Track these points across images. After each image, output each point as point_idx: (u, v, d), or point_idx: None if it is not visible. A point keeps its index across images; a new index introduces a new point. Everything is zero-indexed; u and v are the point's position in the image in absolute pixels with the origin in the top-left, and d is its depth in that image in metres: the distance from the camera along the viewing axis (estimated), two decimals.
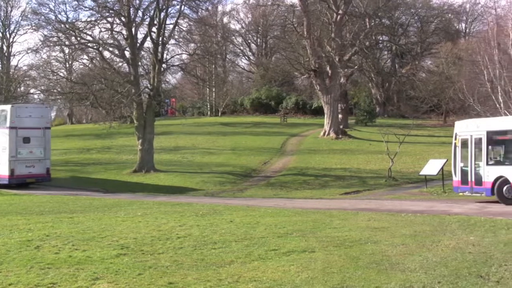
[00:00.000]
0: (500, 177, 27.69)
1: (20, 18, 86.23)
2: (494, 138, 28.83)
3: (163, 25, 51.31)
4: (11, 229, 19.40)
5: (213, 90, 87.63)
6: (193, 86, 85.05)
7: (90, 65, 55.36)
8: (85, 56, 58.80)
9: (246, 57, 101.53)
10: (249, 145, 59.22)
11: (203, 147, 58.64)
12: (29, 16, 72.02)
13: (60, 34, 52.21)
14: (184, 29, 56.35)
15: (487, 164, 28.38)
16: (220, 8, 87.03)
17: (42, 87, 62.56)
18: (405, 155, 47.50)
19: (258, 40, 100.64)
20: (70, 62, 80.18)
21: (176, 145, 59.85)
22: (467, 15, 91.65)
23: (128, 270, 13.28)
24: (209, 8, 64.95)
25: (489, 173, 28.15)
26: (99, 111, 60.09)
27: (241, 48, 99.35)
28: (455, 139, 30.26)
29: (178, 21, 52.81)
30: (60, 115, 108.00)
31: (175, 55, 60.12)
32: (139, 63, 52.74)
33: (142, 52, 54.23)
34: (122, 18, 49.91)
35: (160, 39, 51.25)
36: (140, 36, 52.75)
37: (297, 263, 13.96)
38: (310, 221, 20.85)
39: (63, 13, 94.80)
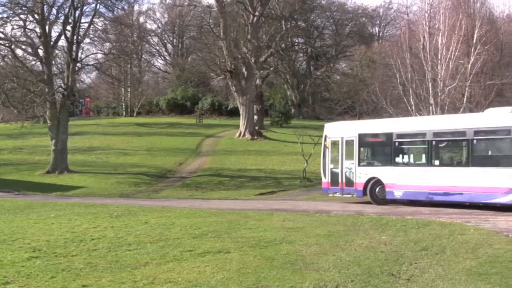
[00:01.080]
0: (373, 178, 28.64)
1: None
2: (366, 140, 29.83)
3: (78, 24, 50.56)
4: None
5: (129, 90, 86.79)
6: (108, 86, 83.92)
7: (1, 63, 54.05)
8: None
9: (162, 57, 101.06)
10: (165, 145, 58.92)
11: (118, 148, 58.01)
12: None
13: None
14: (100, 28, 55.64)
15: (359, 165, 29.21)
16: (136, 7, 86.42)
17: None
18: (320, 156, 48.08)
19: (174, 40, 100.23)
20: None
21: (90, 146, 59.04)
22: (380, 19, 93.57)
23: (40, 274, 13.02)
24: (125, 7, 64.47)
25: (361, 175, 28.99)
26: (11, 111, 58.64)
27: (157, 48, 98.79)
28: (325, 141, 31.00)
29: (94, 19, 52.16)
30: None
31: (90, 54, 59.44)
32: (53, 62, 51.83)
33: (56, 51, 53.37)
34: (36, 16, 48.97)
35: (75, 37, 50.47)
36: (54, 34, 51.94)
37: (213, 263, 13.99)
38: (226, 222, 20.92)
39: None
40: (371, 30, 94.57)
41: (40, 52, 50.10)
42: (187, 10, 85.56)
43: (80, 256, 15.03)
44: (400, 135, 28.80)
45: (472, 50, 42.18)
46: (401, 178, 27.75)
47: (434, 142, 27.71)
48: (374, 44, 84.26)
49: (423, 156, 28.08)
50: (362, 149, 29.70)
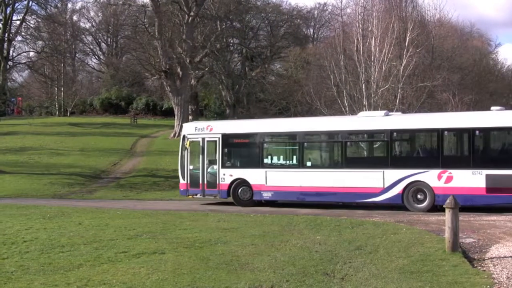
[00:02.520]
0: (238, 179, 28.86)
1: None
2: (231, 141, 29.87)
3: (9, 21, 49.63)
4: None
5: (62, 89, 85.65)
6: (41, 85, 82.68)
7: None
8: None
9: (96, 57, 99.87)
10: (99, 146, 58.22)
11: (51, 148, 57.06)
12: None
13: None
14: (32, 25, 54.78)
15: (223, 166, 29.27)
16: (69, 5, 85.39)
17: None
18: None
19: (109, 39, 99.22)
20: None
21: (22, 146, 57.93)
22: (315, 21, 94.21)
23: None
24: (58, 5, 63.64)
25: (226, 176, 29.09)
26: None
27: (91, 47, 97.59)
28: (184, 141, 30.50)
29: (26, 17, 51.34)
30: None
31: (22, 53, 58.46)
32: None
33: None
34: None
35: (6, 35, 49.51)
36: None
37: (148, 265, 13.95)
38: (160, 223, 20.87)
39: None
40: (305, 32, 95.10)
41: None
42: (121, 9, 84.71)
43: (11, 258, 14.80)
44: (269, 136, 29.50)
45: (405, 52, 42.87)
46: (270, 179, 28.17)
47: (306, 144, 28.58)
48: (308, 45, 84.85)
49: (295, 157, 28.61)
50: (226, 149, 29.61)
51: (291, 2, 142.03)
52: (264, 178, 28.18)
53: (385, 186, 25.71)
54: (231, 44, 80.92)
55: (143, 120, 79.97)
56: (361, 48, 43.05)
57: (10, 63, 51.64)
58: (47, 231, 19.04)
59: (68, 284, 12.29)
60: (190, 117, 63.36)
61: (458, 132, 25.96)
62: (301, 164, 27.99)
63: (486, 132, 25.37)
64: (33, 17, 54.36)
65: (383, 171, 25.76)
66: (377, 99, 41.87)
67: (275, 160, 28.80)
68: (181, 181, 30.59)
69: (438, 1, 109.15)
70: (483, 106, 69.30)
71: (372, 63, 42.53)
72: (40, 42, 60.74)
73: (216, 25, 68.80)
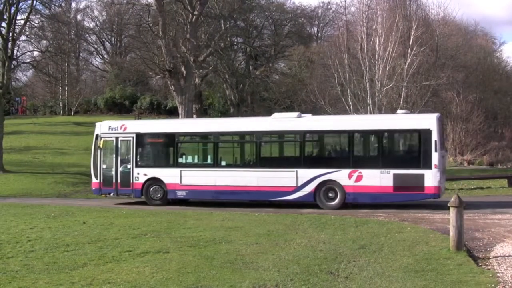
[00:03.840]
0: (152, 178, 29.30)
1: None
2: (145, 141, 30.40)
3: (13, 20, 49.61)
4: None
5: (66, 88, 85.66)
6: (45, 85, 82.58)
7: None
8: None
9: (100, 56, 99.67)
10: None
11: (55, 147, 57.14)
12: None
13: None
14: (36, 25, 54.69)
15: (137, 166, 29.63)
16: (73, 5, 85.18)
17: None
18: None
19: (113, 39, 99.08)
20: None
21: (27, 145, 58.02)
22: (319, 19, 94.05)
23: None
24: (62, 4, 63.50)
25: (140, 175, 29.46)
26: None
27: (95, 46, 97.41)
28: (97, 140, 30.71)
29: (30, 16, 51.26)
30: None
31: (26, 52, 58.22)
32: None
33: None
34: None
35: (10, 34, 49.52)
36: None
37: (152, 264, 13.95)
38: (165, 222, 20.88)
39: None
40: (309, 31, 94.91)
41: None
42: (125, 8, 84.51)
43: (16, 258, 14.82)
44: (184, 136, 30.24)
45: (409, 51, 42.87)
46: (185, 178, 28.74)
47: (221, 144, 29.44)
48: (312, 44, 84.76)
49: (209, 157, 29.47)
50: (140, 149, 30.13)
51: (295, 1, 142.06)
52: (178, 177, 28.84)
53: (298, 185, 26.88)
54: (235, 43, 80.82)
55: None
56: (365, 46, 43.02)
57: (14, 62, 51.62)
58: (52, 230, 19.08)
59: (72, 283, 12.30)
60: (194, 116, 63.33)
61: (367, 134, 27.47)
62: (216, 164, 28.86)
63: (393, 134, 27.21)
64: (37, 16, 54.33)
65: (296, 171, 26.92)
66: (381, 97, 41.85)
67: (189, 159, 29.71)
68: (94, 180, 30.67)
69: (442, 0, 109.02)
70: (488, 104, 69.48)
71: (376, 62, 42.51)
72: (44, 42, 60.62)
73: (220, 24, 68.71)
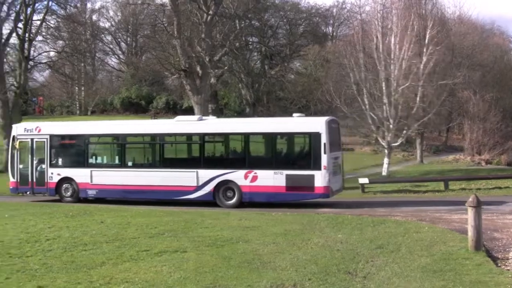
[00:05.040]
0: (65, 178, 30.60)
1: None
2: (58, 142, 31.58)
3: (29, 21, 49.95)
4: None
5: (82, 88, 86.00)
6: (62, 85, 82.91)
7: None
8: None
9: (116, 56, 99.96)
10: None
11: None
12: None
13: None
14: (52, 25, 55.04)
15: (51, 166, 30.92)
16: (89, 5, 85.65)
17: None
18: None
19: (128, 39, 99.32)
20: None
21: None
22: (334, 19, 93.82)
23: None
24: (78, 5, 63.93)
25: (53, 175, 30.81)
26: None
27: (111, 46, 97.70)
28: (14, 141, 31.96)
29: (46, 17, 51.62)
30: None
31: (42, 52, 58.67)
32: (5, 60, 51.09)
33: (8, 49, 52.59)
34: None
35: (27, 35, 49.83)
36: (5, 31, 51.13)
37: (169, 263, 13.98)
38: (182, 221, 20.90)
39: None
40: (324, 30, 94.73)
41: None
42: (140, 9, 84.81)
43: (35, 256, 14.90)
44: (94, 138, 31.45)
45: (424, 50, 42.64)
46: (95, 178, 30.04)
47: (128, 145, 30.88)
48: (327, 43, 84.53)
49: (117, 157, 30.72)
50: (54, 150, 31.34)
51: (309, 0, 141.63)
52: (89, 177, 30.14)
53: (198, 185, 28.36)
54: (250, 43, 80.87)
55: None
56: (381, 46, 42.85)
57: (31, 63, 51.97)
58: (70, 229, 19.16)
59: (91, 282, 12.35)
60: (210, 115, 63.39)
61: (262, 136, 28.87)
62: (123, 164, 30.19)
63: (286, 136, 28.71)
64: (53, 17, 54.63)
65: (197, 171, 28.38)
66: (397, 97, 41.69)
67: (99, 160, 30.98)
68: (11, 179, 32.14)
69: None
70: (505, 103, 69.12)
71: (392, 61, 42.35)
72: (60, 42, 60.98)
73: (235, 23, 68.74)
